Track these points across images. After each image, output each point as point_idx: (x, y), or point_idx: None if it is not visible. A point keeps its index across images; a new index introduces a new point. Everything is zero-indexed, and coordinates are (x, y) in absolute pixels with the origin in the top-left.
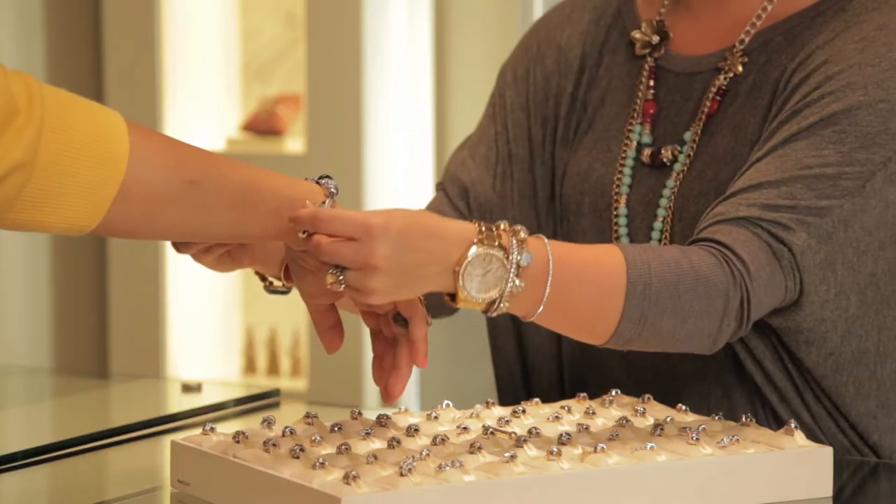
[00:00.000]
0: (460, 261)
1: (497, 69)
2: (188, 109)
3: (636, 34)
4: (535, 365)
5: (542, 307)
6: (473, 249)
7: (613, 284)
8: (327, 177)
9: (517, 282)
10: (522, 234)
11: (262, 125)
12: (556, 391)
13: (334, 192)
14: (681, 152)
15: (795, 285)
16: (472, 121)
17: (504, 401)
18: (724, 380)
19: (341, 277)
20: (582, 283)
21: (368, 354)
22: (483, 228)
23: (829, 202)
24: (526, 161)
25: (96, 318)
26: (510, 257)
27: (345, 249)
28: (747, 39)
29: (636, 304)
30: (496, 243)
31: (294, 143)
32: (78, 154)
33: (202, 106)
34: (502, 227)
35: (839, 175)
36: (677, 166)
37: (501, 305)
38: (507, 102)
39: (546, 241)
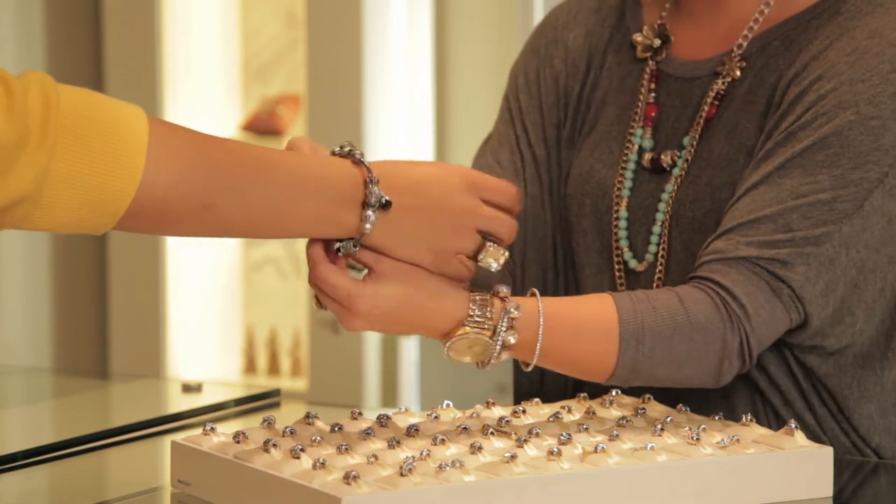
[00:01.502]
0: (449, 335)
1: (497, 69)
2: (188, 109)
3: (638, 37)
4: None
5: (534, 360)
6: (461, 331)
7: (606, 339)
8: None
9: (503, 354)
10: (515, 313)
11: (262, 125)
12: (569, 388)
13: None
14: (679, 157)
15: (799, 315)
16: (472, 121)
17: (519, 399)
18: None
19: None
20: (576, 340)
21: (368, 354)
22: (476, 311)
23: (827, 228)
24: (546, 163)
25: (96, 318)
26: (496, 338)
27: (329, 302)
28: (745, 44)
29: (630, 357)
30: (485, 326)
31: None
32: (88, 175)
33: (202, 106)
34: (501, 293)
35: (834, 199)
36: (675, 171)
37: (490, 363)
38: (521, 106)
39: (539, 301)
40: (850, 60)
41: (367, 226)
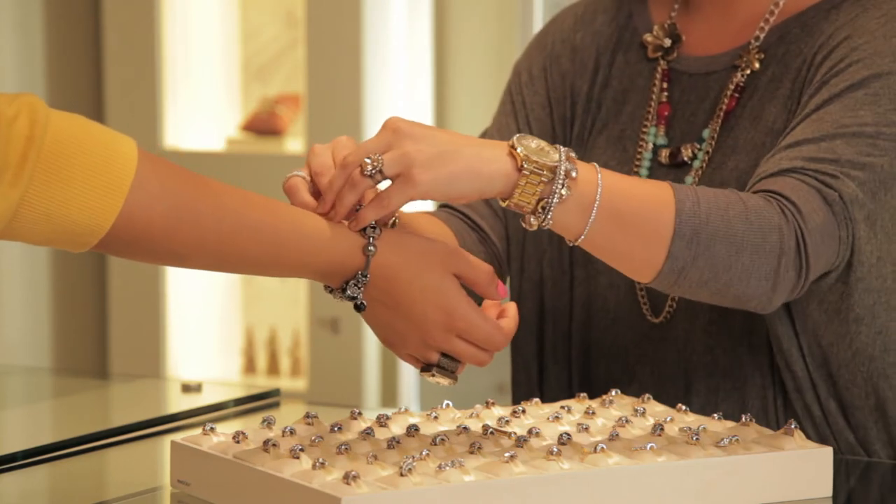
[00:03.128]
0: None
1: (497, 69)
2: (188, 109)
3: (648, 37)
4: (548, 364)
5: (593, 214)
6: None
7: (663, 199)
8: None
9: (569, 165)
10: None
11: (262, 125)
12: (565, 391)
13: (372, 250)
14: (700, 149)
15: (848, 236)
16: (472, 120)
17: (518, 399)
18: (734, 373)
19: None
20: (632, 193)
21: (368, 354)
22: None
23: (870, 159)
24: None
25: (96, 318)
26: (559, 166)
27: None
28: (762, 36)
29: (687, 218)
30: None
31: (294, 143)
32: (63, 209)
33: (202, 106)
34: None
35: (877, 134)
36: (696, 163)
37: (557, 194)
38: (525, 101)
39: (598, 172)
40: (880, 21)
41: (371, 249)
